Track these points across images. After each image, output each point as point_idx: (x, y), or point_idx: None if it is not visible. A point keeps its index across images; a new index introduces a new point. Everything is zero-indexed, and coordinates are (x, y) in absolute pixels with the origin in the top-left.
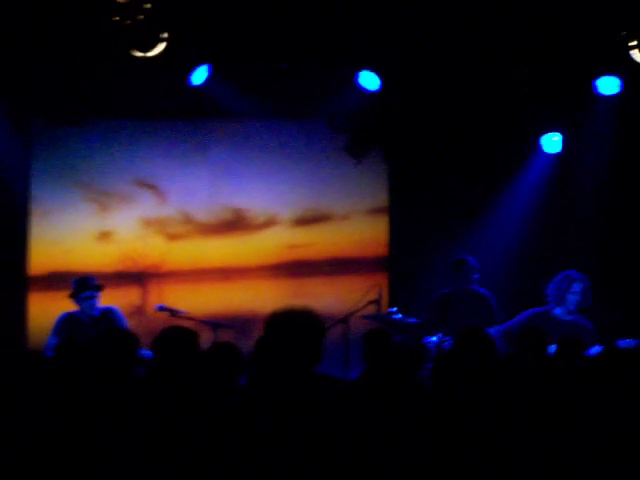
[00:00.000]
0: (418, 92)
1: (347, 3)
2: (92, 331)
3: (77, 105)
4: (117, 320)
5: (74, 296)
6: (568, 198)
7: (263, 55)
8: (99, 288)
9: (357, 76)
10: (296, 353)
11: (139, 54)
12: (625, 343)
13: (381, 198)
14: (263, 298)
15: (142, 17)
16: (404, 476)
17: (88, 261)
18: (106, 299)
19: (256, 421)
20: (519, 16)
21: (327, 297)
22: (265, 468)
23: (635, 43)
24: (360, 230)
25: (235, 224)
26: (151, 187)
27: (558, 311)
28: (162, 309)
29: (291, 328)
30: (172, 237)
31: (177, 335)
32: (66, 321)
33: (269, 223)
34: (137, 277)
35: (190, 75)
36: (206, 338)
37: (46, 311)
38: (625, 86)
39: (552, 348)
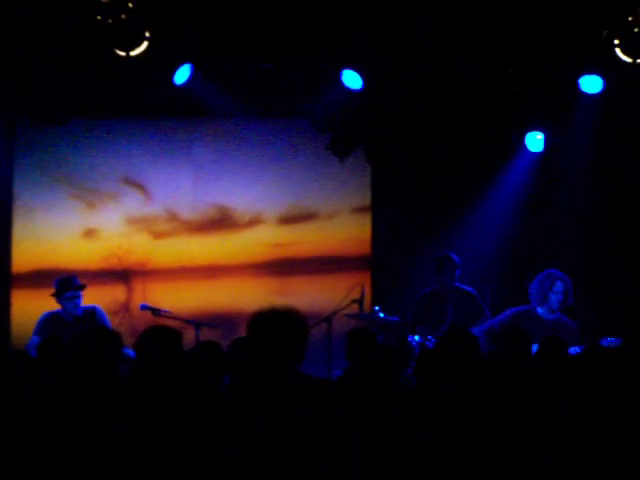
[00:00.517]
0: (401, 91)
1: (330, 3)
2: (75, 330)
3: (61, 104)
4: (100, 319)
5: (57, 296)
6: (551, 197)
7: (246, 55)
8: (82, 288)
9: (340, 75)
10: (279, 352)
11: (122, 53)
12: (608, 342)
13: (365, 197)
14: (248, 296)
15: (125, 16)
16: (387, 474)
17: (73, 259)
18: (91, 297)
19: (239, 420)
20: (503, 15)
21: (311, 295)
22: (249, 467)
23: (618, 42)
24: (344, 229)
25: (220, 222)
26: (136, 185)
27: (540, 310)
28: (146, 308)
29: (274, 327)
30: (157, 235)
31: (160, 334)
32: (48, 320)
33: (254, 222)
34: (122, 275)
35: (173, 74)
36: (190, 337)
37: (30, 309)
38: (608, 85)
39: (535, 347)
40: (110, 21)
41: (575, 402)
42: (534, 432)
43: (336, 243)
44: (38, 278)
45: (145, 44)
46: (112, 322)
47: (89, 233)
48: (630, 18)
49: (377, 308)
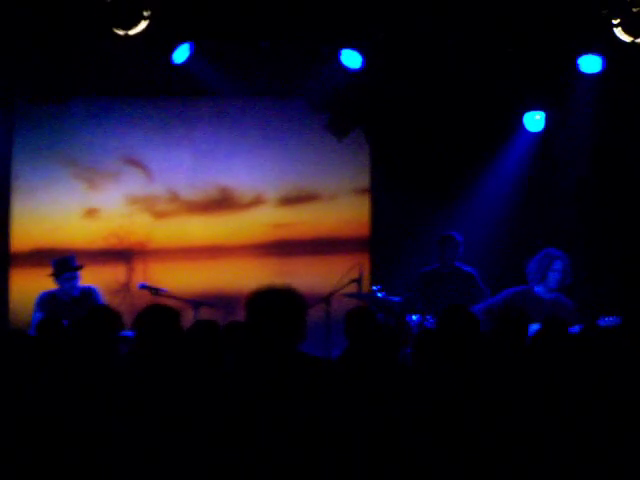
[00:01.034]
0: (400, 71)
1: None
2: (72, 310)
3: (60, 83)
4: (97, 299)
5: (55, 276)
6: (550, 176)
7: (245, 33)
8: (79, 268)
9: (339, 54)
10: (279, 331)
11: (121, 32)
12: (606, 321)
13: (364, 178)
14: (248, 276)
15: None
16: (386, 454)
17: (74, 238)
18: (91, 277)
19: (239, 399)
20: None
21: (311, 276)
22: (250, 448)
23: (617, 21)
24: (344, 210)
25: (221, 203)
26: (137, 165)
27: (539, 289)
28: (144, 287)
29: (272, 306)
30: (158, 215)
31: (158, 313)
32: (46, 300)
33: (255, 202)
34: (123, 255)
35: (172, 53)
36: (189, 317)
37: (29, 289)
38: (607, 65)
39: (533, 327)
40: (109, 0)
41: (575, 381)
42: (534, 412)
43: (336, 224)
44: (38, 257)
45: (144, 23)
46: (112, 302)
47: (90, 213)
48: None
49: (376, 288)
